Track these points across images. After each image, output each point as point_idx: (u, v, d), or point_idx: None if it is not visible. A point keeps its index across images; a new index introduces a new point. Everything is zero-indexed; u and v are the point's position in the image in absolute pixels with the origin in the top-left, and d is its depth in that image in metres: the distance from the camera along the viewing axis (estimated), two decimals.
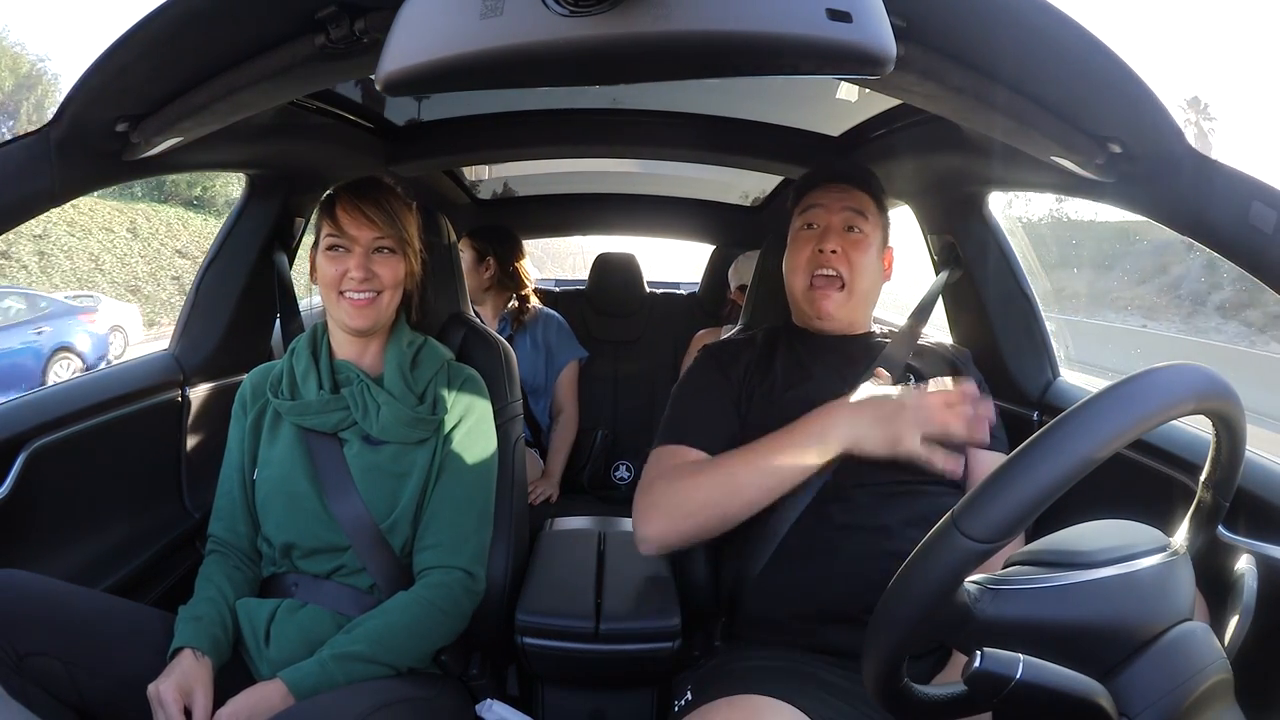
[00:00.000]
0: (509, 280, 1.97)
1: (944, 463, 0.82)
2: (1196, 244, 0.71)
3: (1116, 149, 0.72)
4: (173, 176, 0.94)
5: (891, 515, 0.89)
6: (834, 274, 1.00)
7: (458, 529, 0.97)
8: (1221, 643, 0.55)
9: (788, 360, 1.02)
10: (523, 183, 2.28)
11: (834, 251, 1.00)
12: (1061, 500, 0.48)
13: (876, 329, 1.10)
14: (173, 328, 1.33)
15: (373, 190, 0.99)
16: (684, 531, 0.89)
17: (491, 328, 1.74)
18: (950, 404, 0.83)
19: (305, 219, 1.42)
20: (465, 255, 1.90)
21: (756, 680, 0.79)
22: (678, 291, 2.53)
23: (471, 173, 2.14)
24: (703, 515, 0.88)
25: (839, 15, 0.49)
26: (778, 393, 0.97)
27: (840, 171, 1.07)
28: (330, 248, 0.97)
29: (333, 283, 0.96)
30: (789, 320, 1.11)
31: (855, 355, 1.02)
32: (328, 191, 1.02)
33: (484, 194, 2.27)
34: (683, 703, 0.86)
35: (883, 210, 1.08)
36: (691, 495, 0.88)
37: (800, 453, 0.85)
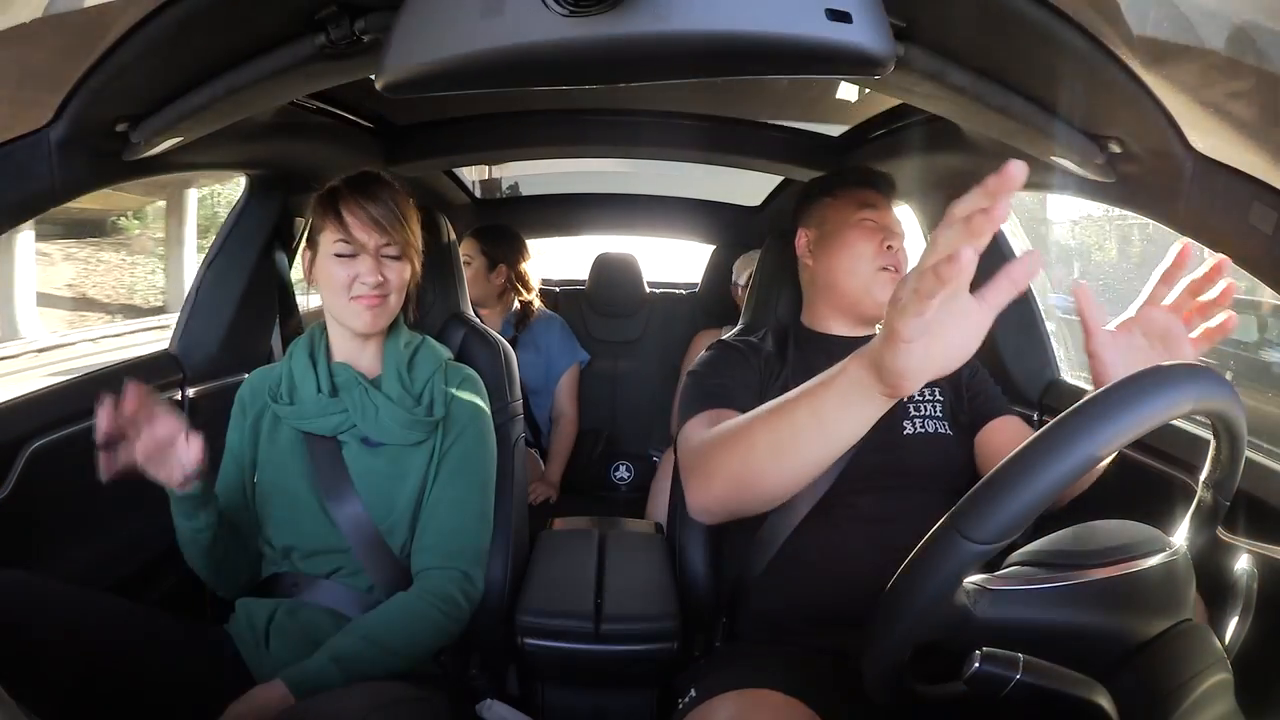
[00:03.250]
0: (519, 285, 1.97)
1: (936, 273, 0.50)
2: None
3: (1116, 149, 0.72)
4: None
5: (894, 519, 0.88)
6: (894, 270, 0.99)
7: (455, 530, 0.97)
8: (1221, 643, 0.55)
9: (797, 365, 1.00)
10: (522, 182, 2.28)
11: (897, 252, 1.00)
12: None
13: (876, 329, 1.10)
14: None
15: (377, 190, 0.97)
16: (725, 500, 0.78)
17: (495, 330, 1.75)
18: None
19: (305, 219, 1.42)
20: (475, 262, 1.89)
21: (760, 675, 0.79)
22: (678, 291, 2.53)
23: (472, 172, 2.14)
24: (742, 485, 0.75)
25: (839, 15, 0.49)
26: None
27: (887, 185, 1.07)
28: (339, 254, 0.95)
29: (344, 285, 0.95)
30: (796, 320, 1.10)
31: None
32: (329, 185, 0.99)
33: (485, 194, 2.27)
34: (686, 700, 0.86)
35: None
36: (726, 459, 0.75)
37: (829, 406, 0.64)
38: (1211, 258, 0.65)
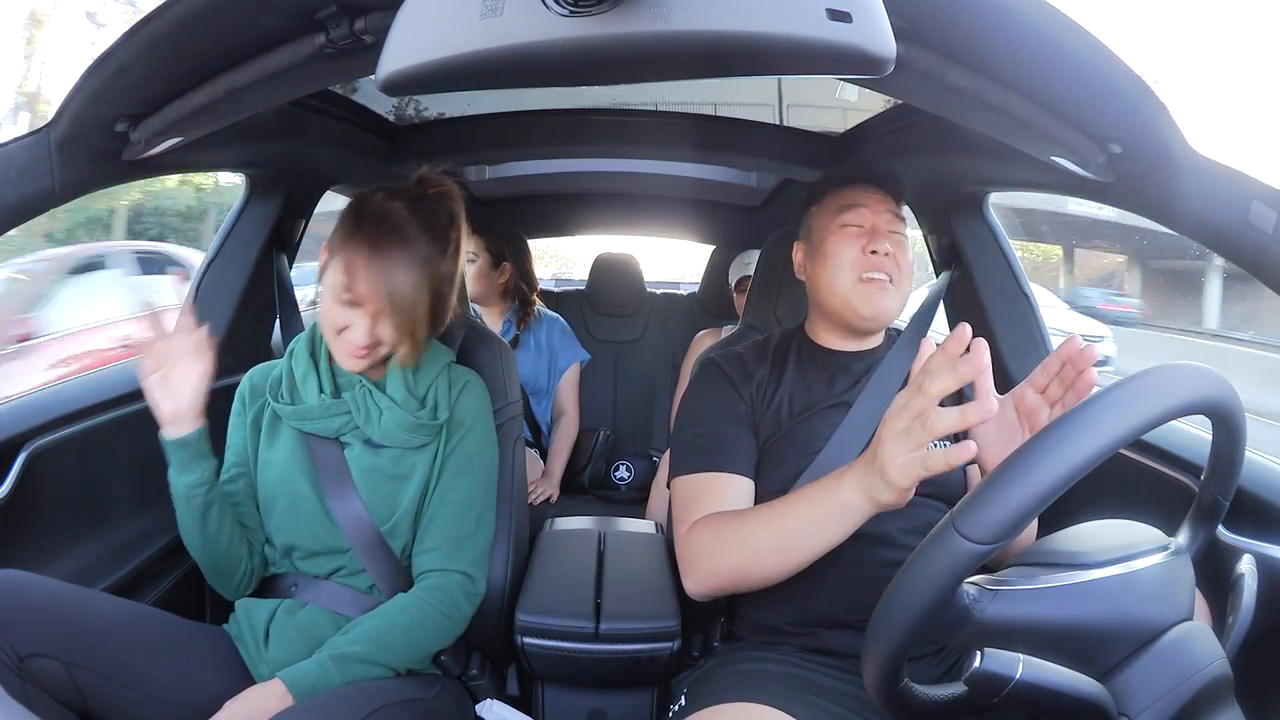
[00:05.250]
0: (524, 283, 1.97)
1: (947, 461, 0.60)
2: None
3: (1117, 149, 0.73)
4: None
5: (892, 523, 0.88)
6: (883, 276, 0.93)
7: (457, 532, 0.97)
8: (1221, 643, 0.55)
9: (795, 381, 0.98)
10: (522, 182, 2.28)
11: (886, 254, 0.93)
12: (1061, 500, 0.48)
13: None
14: None
15: (391, 238, 0.88)
16: (727, 588, 0.86)
17: (495, 329, 1.75)
18: (923, 389, 0.62)
19: (305, 219, 1.42)
20: (480, 260, 1.89)
21: (750, 686, 0.79)
22: (678, 291, 2.53)
23: (470, 171, 2.14)
24: (745, 578, 0.83)
25: (839, 15, 0.49)
26: (784, 421, 0.95)
27: (877, 175, 1.02)
28: (337, 299, 0.89)
29: (333, 327, 0.91)
30: (800, 327, 1.06)
31: (861, 374, 0.99)
32: (359, 195, 0.94)
33: (483, 193, 2.27)
34: (677, 708, 0.86)
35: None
36: (726, 552, 0.83)
37: (828, 522, 0.74)
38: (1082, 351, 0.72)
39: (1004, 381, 1.21)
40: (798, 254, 1.06)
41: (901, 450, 0.63)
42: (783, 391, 0.97)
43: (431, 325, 0.95)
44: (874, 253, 0.94)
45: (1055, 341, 1.29)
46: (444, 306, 0.96)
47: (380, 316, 0.89)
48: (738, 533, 0.82)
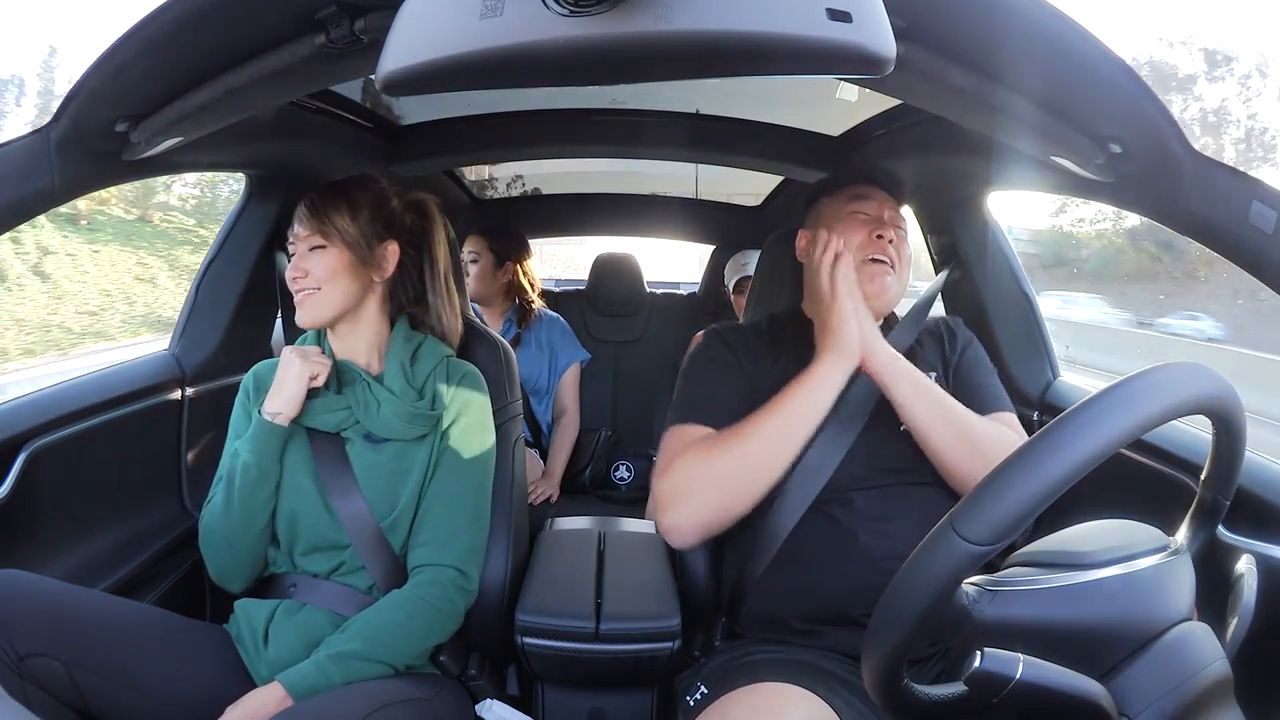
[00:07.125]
0: (526, 283, 1.98)
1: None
2: None
3: (1116, 149, 0.72)
4: None
5: (893, 516, 0.88)
6: (885, 261, 1.00)
7: (449, 526, 0.97)
8: (1221, 643, 0.55)
9: (792, 355, 1.00)
10: (522, 182, 2.28)
11: (890, 241, 1.00)
12: (1061, 500, 0.48)
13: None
14: None
15: (327, 188, 1.01)
16: (714, 509, 0.88)
17: (496, 329, 1.75)
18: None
19: None
20: (482, 259, 1.90)
21: (772, 670, 0.79)
22: (678, 291, 2.53)
23: (473, 172, 2.14)
24: (729, 487, 0.87)
25: (839, 15, 0.49)
26: (779, 389, 0.97)
27: (884, 178, 1.07)
28: (290, 253, 1.01)
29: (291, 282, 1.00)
30: (797, 308, 1.10)
31: None
32: None
33: (486, 194, 2.27)
34: (697, 697, 0.86)
35: None
36: (714, 467, 0.87)
37: (811, 392, 0.89)
38: None
39: (1005, 382, 1.21)
40: (802, 240, 1.09)
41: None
42: (779, 366, 1.00)
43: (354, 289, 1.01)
44: (879, 237, 0.99)
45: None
46: (369, 276, 1.01)
47: (309, 242, 0.99)
48: (729, 441, 0.89)
